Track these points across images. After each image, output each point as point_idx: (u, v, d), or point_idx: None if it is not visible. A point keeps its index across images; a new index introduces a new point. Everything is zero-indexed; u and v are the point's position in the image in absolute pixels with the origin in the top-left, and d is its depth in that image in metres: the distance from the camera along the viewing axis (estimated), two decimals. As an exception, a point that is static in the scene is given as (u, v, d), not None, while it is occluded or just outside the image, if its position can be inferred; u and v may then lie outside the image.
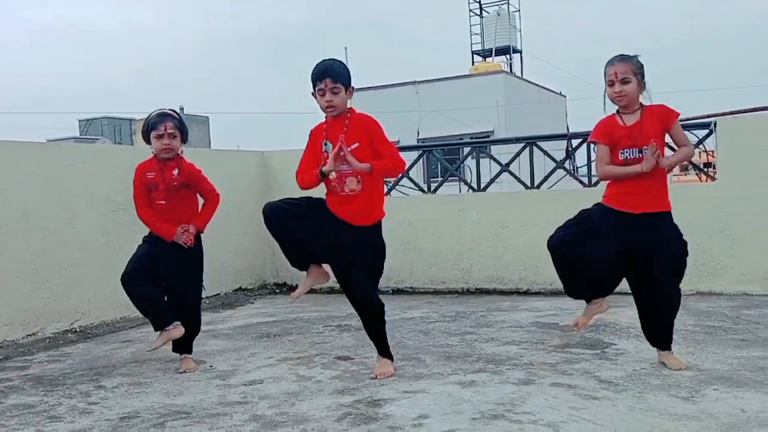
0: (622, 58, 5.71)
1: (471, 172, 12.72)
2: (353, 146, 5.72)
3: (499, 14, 49.37)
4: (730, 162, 9.44)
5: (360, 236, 5.81)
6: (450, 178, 12.51)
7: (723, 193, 9.36)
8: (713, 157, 10.97)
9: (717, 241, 9.29)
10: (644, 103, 5.76)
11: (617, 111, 5.78)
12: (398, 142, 33.19)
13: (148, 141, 6.58)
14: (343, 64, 5.92)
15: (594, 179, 10.63)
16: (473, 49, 50.60)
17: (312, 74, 5.84)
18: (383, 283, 10.79)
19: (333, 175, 5.77)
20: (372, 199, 5.86)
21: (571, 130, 14.73)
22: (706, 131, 9.92)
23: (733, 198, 9.30)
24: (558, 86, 53.46)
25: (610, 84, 5.71)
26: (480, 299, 9.91)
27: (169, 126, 6.47)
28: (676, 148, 6.23)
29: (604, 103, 5.88)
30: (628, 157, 5.66)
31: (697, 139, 10.35)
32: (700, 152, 12.33)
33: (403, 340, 7.19)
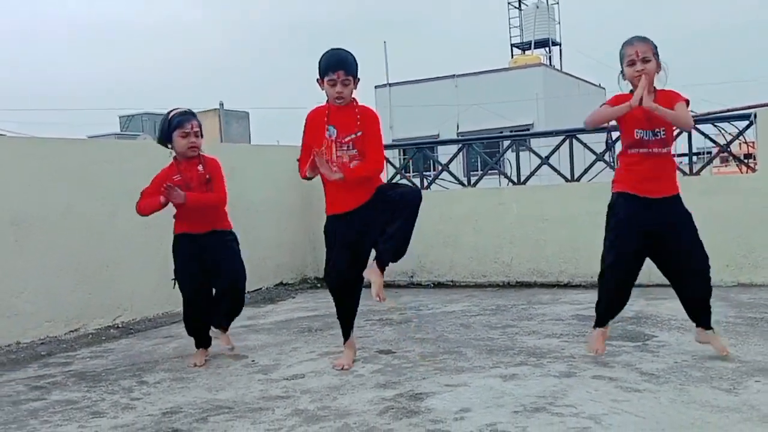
0: (641, 39, 5.71)
1: (511, 165, 12.70)
2: (357, 134, 5.93)
3: (537, 7, 49.32)
4: (772, 153, 9.35)
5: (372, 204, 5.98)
6: (490, 172, 12.47)
7: (764, 184, 9.26)
8: (754, 148, 10.89)
9: (758, 233, 9.22)
10: (657, 87, 5.74)
11: (632, 92, 5.75)
12: (438, 135, 33.13)
13: (167, 141, 6.57)
14: (353, 56, 6.00)
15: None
16: (512, 42, 50.52)
17: (323, 63, 5.90)
18: (424, 276, 10.86)
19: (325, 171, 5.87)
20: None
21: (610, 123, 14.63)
22: (747, 122, 9.85)
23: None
24: (597, 78, 53.13)
25: (631, 63, 5.67)
26: (520, 292, 9.89)
27: (195, 124, 6.53)
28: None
29: (619, 84, 5.87)
30: (643, 138, 5.68)
31: (738, 131, 10.29)
32: (740, 143, 12.24)
33: (444, 334, 7.19)
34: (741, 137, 10.57)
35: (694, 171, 10.00)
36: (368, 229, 5.93)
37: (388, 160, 12.02)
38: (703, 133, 10.16)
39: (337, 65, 5.84)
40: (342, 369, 6.04)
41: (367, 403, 5.12)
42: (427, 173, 12.87)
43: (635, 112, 5.65)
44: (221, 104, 39.39)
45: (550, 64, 46.14)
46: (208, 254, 6.55)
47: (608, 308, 6.08)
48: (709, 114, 10.12)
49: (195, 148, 6.53)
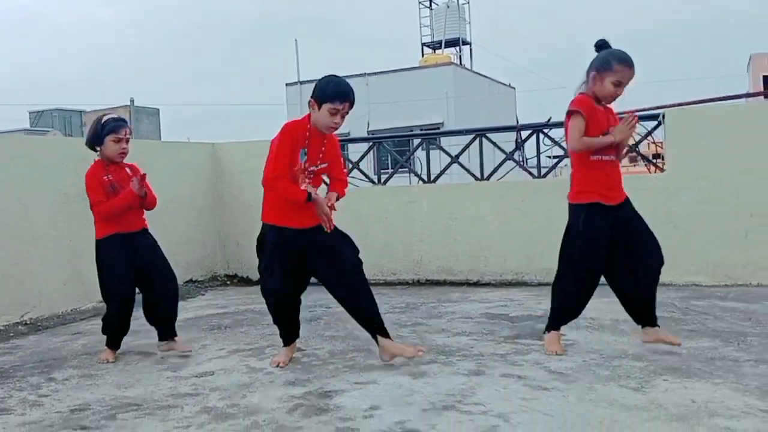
0: (633, 65, 5.74)
1: (421, 163, 12.75)
2: (324, 165, 5.92)
3: (448, 6, 49.47)
4: (679, 153, 9.49)
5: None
6: (400, 170, 12.51)
7: (671, 184, 9.41)
8: (662, 148, 11.04)
9: (666, 232, 9.27)
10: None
11: (594, 99, 5.81)
12: (349, 134, 33.19)
13: (96, 143, 6.58)
14: None
15: (543, 170, 10.68)
16: (423, 42, 50.65)
17: (330, 89, 5.74)
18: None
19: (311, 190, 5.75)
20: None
21: (520, 122, 14.73)
22: (656, 122, 9.99)
23: (682, 189, 9.36)
24: (507, 78, 53.69)
25: (618, 85, 5.71)
26: (430, 290, 9.93)
27: (127, 131, 6.61)
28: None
29: (578, 90, 5.93)
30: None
31: (647, 131, 10.43)
32: (649, 143, 12.42)
33: (354, 332, 7.17)
34: (650, 137, 10.72)
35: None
36: (316, 250, 5.89)
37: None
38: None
39: (346, 97, 5.72)
40: (278, 366, 6.01)
41: (276, 400, 5.09)
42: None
43: (599, 118, 5.74)
44: (132, 101, 39.05)
45: (461, 64, 46.35)
46: (140, 256, 6.58)
47: (569, 314, 6.19)
48: (619, 114, 10.25)
49: (124, 154, 6.61)
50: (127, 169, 6.66)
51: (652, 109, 11.93)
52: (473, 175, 10.82)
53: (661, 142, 11.07)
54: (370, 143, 11.97)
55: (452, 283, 10.38)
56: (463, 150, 10.96)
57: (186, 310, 9.15)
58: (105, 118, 6.60)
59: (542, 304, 8.04)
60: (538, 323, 7.13)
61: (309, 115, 5.83)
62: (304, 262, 5.92)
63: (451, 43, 49.58)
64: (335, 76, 5.87)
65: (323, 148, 5.87)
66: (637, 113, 5.97)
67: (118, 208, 6.46)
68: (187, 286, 11.05)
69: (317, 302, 8.23)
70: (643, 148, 11.48)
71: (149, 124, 40.58)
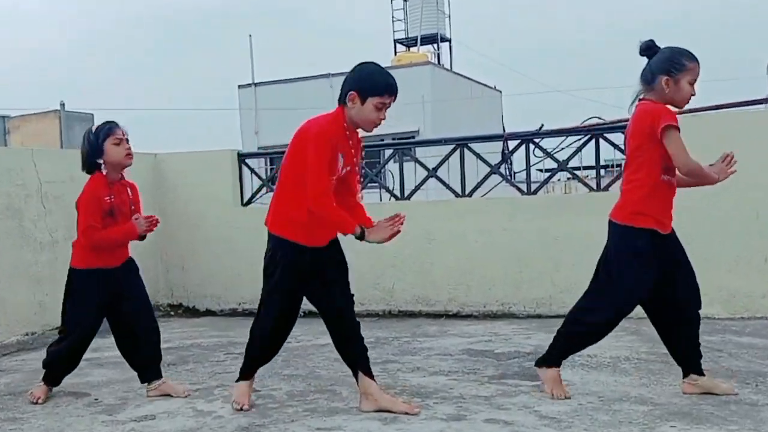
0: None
1: (393, 177, 12.75)
2: (347, 169, 5.86)
3: (425, -3, 49.32)
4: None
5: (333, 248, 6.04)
6: (369, 185, 12.52)
7: (679, 202, 9.38)
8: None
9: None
10: None
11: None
12: (310, 142, 33.00)
13: (97, 156, 6.45)
14: None
15: (533, 186, 10.71)
16: (396, 38, 50.58)
17: (380, 81, 5.67)
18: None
19: None
20: None
21: (507, 130, 14.80)
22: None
23: (692, 207, 9.33)
24: (493, 80, 53.42)
25: (693, 83, 5.75)
26: (404, 323, 9.94)
27: (124, 131, 6.51)
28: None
29: (638, 98, 5.93)
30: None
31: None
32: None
33: (315, 370, 7.19)
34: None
35: (602, 186, 10.17)
36: (321, 269, 5.93)
37: (254, 171, 12.02)
38: (612, 144, 10.30)
39: (395, 89, 5.69)
40: (242, 409, 5.99)
41: (227, 449, 5.10)
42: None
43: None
44: (62, 105, 38.77)
45: (439, 63, 46.38)
46: (118, 291, 6.57)
47: (582, 345, 6.22)
48: (619, 121, 10.26)
49: (131, 155, 6.53)
50: (129, 191, 6.63)
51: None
52: (453, 191, 10.84)
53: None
54: (335, 153, 11.94)
55: (429, 315, 10.38)
56: (442, 162, 10.96)
57: (112, 347, 9.11)
58: (95, 128, 6.56)
59: (531, 339, 8.07)
60: (526, 361, 7.15)
61: (342, 111, 5.73)
62: (306, 286, 5.98)
63: (429, 39, 49.48)
64: (374, 64, 5.80)
65: (353, 150, 5.84)
66: (730, 155, 5.93)
67: (114, 242, 6.47)
68: (124, 317, 11.01)
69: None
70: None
71: (82, 131, 40.39)
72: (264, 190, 11.91)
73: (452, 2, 58.57)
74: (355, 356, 6.01)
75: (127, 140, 6.49)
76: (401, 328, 9.48)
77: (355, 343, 6.06)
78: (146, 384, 6.71)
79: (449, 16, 50.33)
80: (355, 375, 5.95)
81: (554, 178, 11.22)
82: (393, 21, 50.70)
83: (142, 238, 6.55)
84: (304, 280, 5.91)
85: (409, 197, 11.11)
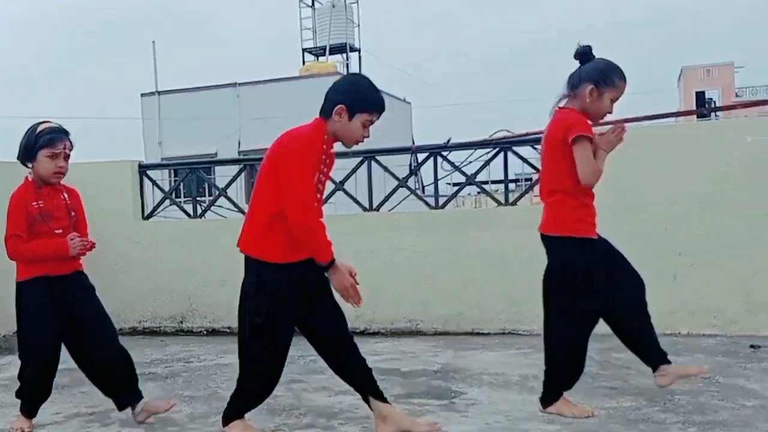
0: None
1: (300, 190, 12.70)
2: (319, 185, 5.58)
3: (334, 6, 49.52)
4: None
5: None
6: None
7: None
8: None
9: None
10: None
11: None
12: (216, 154, 32.92)
13: (28, 158, 6.18)
14: None
15: (442, 199, 10.72)
16: (304, 47, 50.67)
17: (371, 98, 5.49)
18: (196, 322, 10.72)
19: None
20: None
21: (416, 143, 14.83)
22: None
23: (598, 222, 9.48)
24: (402, 91, 53.54)
25: (614, 100, 5.81)
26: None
27: (68, 145, 6.21)
28: None
29: (559, 103, 5.97)
30: None
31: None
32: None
33: (217, 391, 7.12)
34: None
35: (510, 201, 10.21)
36: (310, 289, 5.79)
37: (156, 184, 11.90)
38: (521, 157, 10.34)
39: (383, 108, 5.51)
40: None
41: (123, 476, 5.02)
42: (202, 198, 12.75)
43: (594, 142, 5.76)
44: None
45: (348, 73, 46.52)
46: (69, 303, 6.21)
47: (574, 370, 6.16)
48: (527, 134, 10.31)
49: (61, 174, 6.22)
50: (65, 195, 6.30)
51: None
52: (360, 205, 10.82)
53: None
54: (241, 166, 11.84)
55: (335, 332, 10.31)
56: (349, 175, 10.95)
57: (15, 365, 8.95)
58: (41, 128, 6.18)
59: (439, 356, 8.07)
60: (433, 380, 7.15)
61: (321, 123, 5.50)
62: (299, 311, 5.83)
63: (337, 49, 49.69)
64: (365, 78, 5.68)
65: (326, 167, 5.59)
66: (623, 122, 5.99)
67: (41, 256, 6.11)
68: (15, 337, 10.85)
69: (175, 356, 8.16)
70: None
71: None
72: (167, 202, 11.78)
73: (362, 12, 58.72)
74: (362, 381, 5.89)
75: (66, 156, 6.18)
76: (307, 346, 9.32)
77: (359, 366, 5.97)
78: (129, 409, 6.37)
79: (359, 26, 50.51)
80: (366, 400, 5.79)
81: (465, 192, 11.27)
82: (301, 30, 50.74)
83: (75, 259, 6.23)
84: (299, 305, 5.77)
85: (315, 211, 11.04)
